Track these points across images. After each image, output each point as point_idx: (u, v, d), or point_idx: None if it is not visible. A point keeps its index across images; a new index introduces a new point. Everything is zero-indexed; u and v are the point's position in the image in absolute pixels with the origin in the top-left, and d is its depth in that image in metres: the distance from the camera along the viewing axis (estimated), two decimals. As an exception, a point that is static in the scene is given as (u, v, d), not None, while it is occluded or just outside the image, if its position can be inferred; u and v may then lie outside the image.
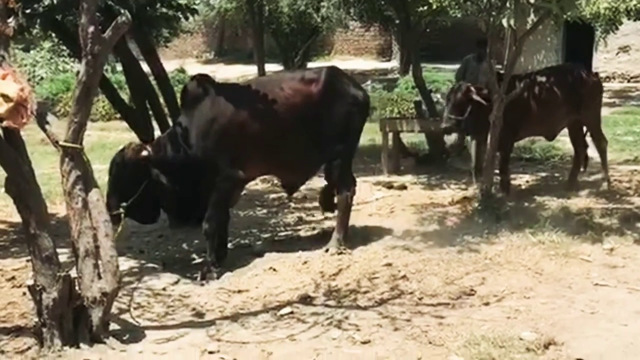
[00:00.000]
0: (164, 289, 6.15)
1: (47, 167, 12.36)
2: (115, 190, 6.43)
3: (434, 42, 25.08)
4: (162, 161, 6.40)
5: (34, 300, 4.73)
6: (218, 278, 6.37)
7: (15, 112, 4.48)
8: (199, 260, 6.85)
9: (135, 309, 5.68)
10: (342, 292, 5.84)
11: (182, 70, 23.86)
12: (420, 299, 5.63)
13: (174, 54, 31.93)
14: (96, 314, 4.80)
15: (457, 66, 21.11)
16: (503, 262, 6.33)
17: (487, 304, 5.49)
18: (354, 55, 31.60)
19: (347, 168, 6.98)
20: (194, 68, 26.37)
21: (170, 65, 25.27)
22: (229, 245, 7.16)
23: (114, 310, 5.56)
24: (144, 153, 6.33)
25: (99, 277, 4.84)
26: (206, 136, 6.44)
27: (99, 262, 4.87)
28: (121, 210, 6.26)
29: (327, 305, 5.59)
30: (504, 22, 7.15)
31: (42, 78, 18.77)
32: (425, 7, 8.86)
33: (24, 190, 4.67)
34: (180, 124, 6.59)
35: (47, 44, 19.49)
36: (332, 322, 5.23)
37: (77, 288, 4.83)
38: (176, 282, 6.31)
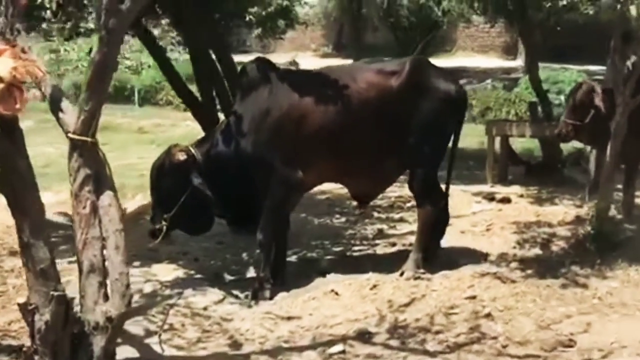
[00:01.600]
0: (204, 309, 5.33)
1: (135, 157, 11.98)
2: (158, 201, 5.66)
3: (563, 41, 23.45)
4: (207, 162, 5.58)
5: (25, 321, 3.98)
6: (271, 298, 5.50)
7: (6, 94, 3.72)
8: (254, 274, 5.97)
9: (165, 331, 4.88)
10: (409, 329, 4.84)
11: (293, 63, 23.21)
12: (504, 346, 4.57)
13: (291, 47, 31.47)
14: (98, 343, 3.96)
15: (585, 67, 19.60)
16: (615, 303, 5.16)
17: (588, 360, 4.37)
18: (478, 52, 30.09)
19: (432, 177, 5.93)
20: (308, 61, 25.75)
21: (284, 58, 24.80)
22: (293, 258, 6.29)
23: (139, 332, 4.84)
24: (182, 156, 5.51)
25: (105, 298, 4.03)
26: (259, 129, 5.56)
27: (107, 280, 4.07)
28: (164, 223, 5.49)
29: (387, 346, 4.62)
30: (633, 10, 5.92)
31: (149, 66, 18.45)
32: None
33: (19, 190, 3.91)
34: (235, 112, 5.75)
35: (156, 31, 19.21)
36: (389, 371, 4.25)
37: (78, 309, 4.05)
38: (221, 301, 5.48)
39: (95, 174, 4.10)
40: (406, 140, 5.71)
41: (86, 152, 4.05)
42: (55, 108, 4.22)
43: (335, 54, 31.51)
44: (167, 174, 5.57)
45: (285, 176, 5.54)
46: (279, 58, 26.05)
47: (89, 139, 4.05)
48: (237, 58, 11.76)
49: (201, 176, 5.55)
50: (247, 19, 13.82)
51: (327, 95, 5.52)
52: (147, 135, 14.32)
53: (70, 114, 4.19)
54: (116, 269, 4.03)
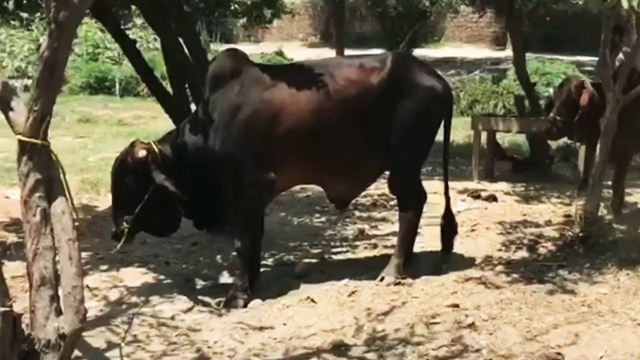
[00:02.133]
0: (172, 318, 5.03)
1: (112, 152, 11.63)
2: (119, 201, 5.34)
3: (552, 31, 23.21)
4: (171, 159, 5.26)
5: (-30, 339, 3.67)
6: (245, 307, 5.20)
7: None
8: (229, 280, 5.67)
9: (128, 343, 4.58)
10: (387, 341, 4.56)
11: (280, 53, 22.84)
12: (487, 360, 4.30)
13: (279, 36, 31.20)
14: (50, 361, 3.69)
15: (575, 58, 19.37)
16: (605, 311, 4.88)
17: (577, 377, 4.11)
18: (466, 42, 29.93)
19: (414, 178, 5.65)
20: (295, 51, 25.43)
21: (271, 48, 24.48)
22: (269, 261, 6.02)
23: (101, 344, 4.55)
24: (142, 153, 5.19)
25: (58, 313, 3.73)
26: (229, 126, 5.21)
27: (59, 293, 3.77)
28: (125, 225, 5.17)
29: (363, 360, 4.34)
30: (624, 2, 5.65)
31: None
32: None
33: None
34: (203, 107, 5.42)
35: (139, 21, 18.82)
36: (365, 389, 3.98)
37: (28, 325, 3.75)
38: (190, 309, 5.17)
39: (47, 179, 3.79)
40: (387, 140, 5.40)
41: (36, 155, 3.74)
42: (4, 106, 3.90)
43: (323, 43, 31.22)
44: (127, 172, 5.23)
45: (255, 178, 5.21)
46: (266, 48, 25.73)
47: (39, 141, 3.74)
48: (223, 48, 11.44)
49: (165, 174, 5.19)
50: (232, 7, 13.51)
51: (303, 92, 5.20)
52: (127, 128, 13.95)
53: (21, 113, 3.87)
54: (69, 282, 3.73)
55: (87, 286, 5.44)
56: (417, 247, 5.92)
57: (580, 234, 6.03)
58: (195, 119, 5.42)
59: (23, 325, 3.66)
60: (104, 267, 5.92)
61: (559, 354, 4.31)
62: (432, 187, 7.23)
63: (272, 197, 5.68)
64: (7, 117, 3.92)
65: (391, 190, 5.78)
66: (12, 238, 6.70)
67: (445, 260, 5.77)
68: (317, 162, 5.36)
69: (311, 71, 5.37)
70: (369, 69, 5.42)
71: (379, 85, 5.37)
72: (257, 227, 5.40)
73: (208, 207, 5.31)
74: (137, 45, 7.63)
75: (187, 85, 6.83)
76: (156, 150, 5.22)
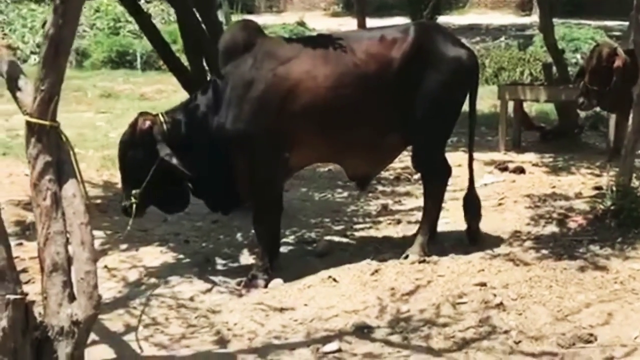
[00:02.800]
0: (191, 299, 4.91)
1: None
2: (126, 175, 5.20)
3: (579, -5, 22.75)
4: (178, 133, 5.07)
5: (-19, 328, 3.57)
6: (265, 287, 5.06)
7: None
8: (249, 259, 5.55)
9: (147, 326, 4.49)
10: (412, 322, 4.41)
11: (302, 23, 22.49)
12: (517, 342, 4.13)
13: (302, 6, 30.86)
14: (63, 349, 3.57)
15: (602, 23, 18.91)
16: (639, 289, 4.69)
17: (611, 359, 3.93)
18: (491, 8, 29.41)
19: (440, 153, 5.45)
20: (317, 21, 25.11)
21: (293, 18, 24.18)
22: (290, 239, 5.88)
23: (119, 328, 4.45)
24: (146, 124, 5.03)
25: (71, 300, 3.62)
26: (240, 102, 5.00)
27: (72, 279, 3.66)
28: (133, 200, 5.03)
29: (388, 343, 4.20)
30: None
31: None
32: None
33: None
34: (215, 81, 5.23)
35: (159, -8, 18.62)
36: (389, 374, 3.84)
37: (40, 313, 3.64)
38: (209, 290, 5.05)
39: (57, 161, 3.67)
40: (411, 115, 5.19)
41: (45, 136, 3.62)
42: (12, 86, 3.78)
43: (346, 12, 30.81)
44: (133, 144, 5.06)
45: (268, 156, 5.03)
46: (288, 18, 25.43)
47: (47, 122, 3.61)
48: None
49: (172, 147, 4.97)
50: (254, -22, 13.32)
51: (320, 66, 5.00)
52: (149, 103, 13.79)
53: (29, 93, 3.75)
54: (82, 267, 3.62)
55: (106, 266, 5.39)
56: (442, 223, 5.75)
57: (612, 207, 5.80)
58: (206, 92, 5.21)
59: (35, 313, 3.57)
60: (124, 246, 5.82)
61: (591, 334, 4.13)
62: (457, 159, 7.05)
63: (288, 176, 5.52)
64: (15, 98, 3.81)
65: (415, 165, 5.59)
66: (31, 217, 6.59)
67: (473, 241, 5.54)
68: (335, 139, 5.15)
69: (329, 44, 5.13)
70: (390, 40, 5.20)
71: (401, 58, 5.15)
72: (274, 207, 5.22)
73: (219, 185, 5.12)
74: (159, 18, 7.45)
75: (204, 60, 6.64)
76: (163, 121, 5.05)
